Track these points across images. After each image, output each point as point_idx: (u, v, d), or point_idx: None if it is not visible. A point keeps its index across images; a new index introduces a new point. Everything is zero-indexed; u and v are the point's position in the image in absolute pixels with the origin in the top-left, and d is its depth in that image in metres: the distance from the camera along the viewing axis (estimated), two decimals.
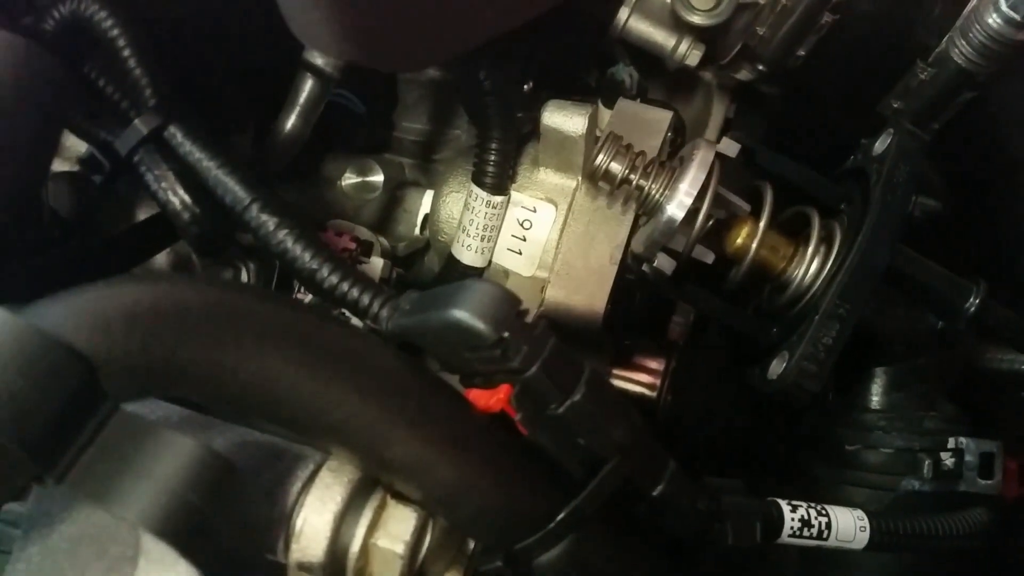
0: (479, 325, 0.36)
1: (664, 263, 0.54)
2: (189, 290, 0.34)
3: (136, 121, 0.46)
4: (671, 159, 0.58)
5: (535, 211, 0.64)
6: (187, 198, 0.45)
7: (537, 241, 0.64)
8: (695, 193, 0.52)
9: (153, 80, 0.47)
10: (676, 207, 0.52)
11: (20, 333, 0.30)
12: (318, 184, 0.73)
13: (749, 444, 0.72)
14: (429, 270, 0.74)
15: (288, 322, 0.35)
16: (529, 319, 0.37)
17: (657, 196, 0.54)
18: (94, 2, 0.47)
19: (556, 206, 0.63)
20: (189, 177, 0.46)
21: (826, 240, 0.55)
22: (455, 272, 0.65)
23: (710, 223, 0.54)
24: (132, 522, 0.31)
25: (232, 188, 0.45)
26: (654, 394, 0.71)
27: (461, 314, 0.36)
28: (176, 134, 0.46)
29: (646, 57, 0.68)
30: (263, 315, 0.35)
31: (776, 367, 0.50)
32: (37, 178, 0.38)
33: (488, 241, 0.64)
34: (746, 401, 0.70)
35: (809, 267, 0.54)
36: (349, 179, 0.74)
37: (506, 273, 0.65)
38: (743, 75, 0.68)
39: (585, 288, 0.60)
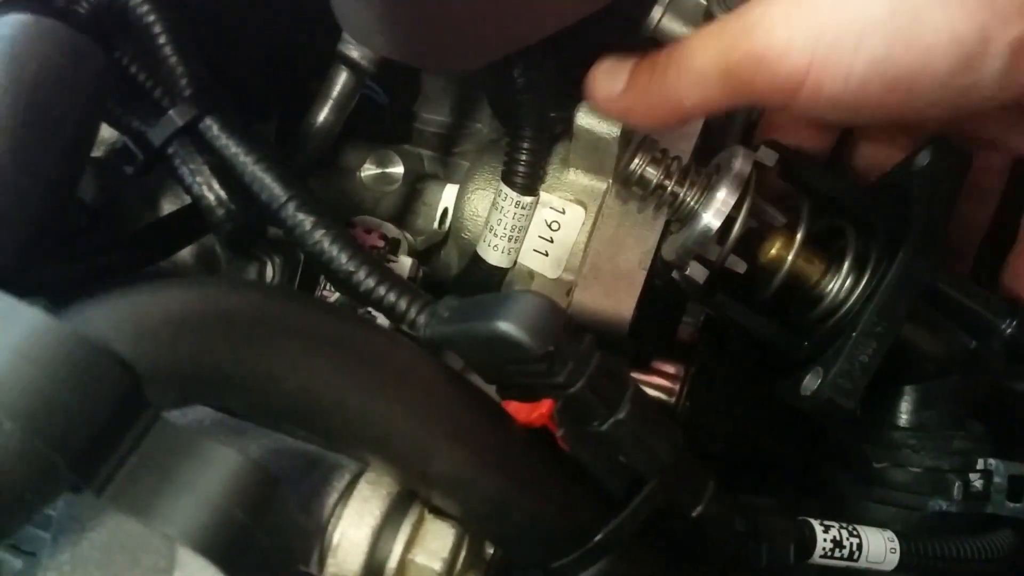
0: (525, 338, 0.35)
1: (697, 272, 0.53)
2: (235, 296, 0.33)
3: (171, 111, 0.45)
4: (706, 165, 0.57)
5: (564, 212, 0.63)
6: (222, 193, 0.44)
7: (565, 243, 0.63)
8: (732, 202, 0.51)
9: (189, 69, 0.46)
10: (713, 216, 0.52)
11: (64, 340, 0.29)
12: (337, 174, 0.72)
13: (769, 454, 0.71)
14: (446, 264, 0.73)
15: (334, 331, 0.34)
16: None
17: (692, 203, 0.53)
18: None
19: (586, 208, 0.62)
20: (224, 171, 0.44)
21: (861, 254, 0.54)
22: (480, 271, 0.64)
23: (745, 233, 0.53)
24: (174, 538, 0.30)
25: (268, 185, 0.44)
26: (672, 399, 0.71)
27: (507, 326, 0.35)
28: (212, 126, 0.45)
29: None
30: (309, 323, 0.34)
31: (810, 382, 0.50)
32: (77, 170, 0.37)
33: (515, 242, 0.63)
34: (766, 410, 0.70)
35: (844, 281, 0.54)
36: (368, 170, 0.73)
37: (531, 274, 0.64)
38: None
39: (613, 293, 0.59)
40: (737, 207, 0.52)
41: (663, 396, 0.70)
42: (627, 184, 0.55)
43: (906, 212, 0.52)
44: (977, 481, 0.51)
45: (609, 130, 0.59)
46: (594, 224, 0.61)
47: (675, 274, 0.56)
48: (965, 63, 0.37)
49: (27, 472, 0.28)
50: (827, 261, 0.55)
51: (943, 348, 0.54)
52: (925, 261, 0.49)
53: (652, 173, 0.54)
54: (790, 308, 0.58)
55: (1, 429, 0.27)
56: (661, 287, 0.60)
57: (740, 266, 0.54)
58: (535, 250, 0.64)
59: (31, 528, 0.40)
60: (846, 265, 0.54)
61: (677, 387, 0.70)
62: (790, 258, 0.54)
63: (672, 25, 0.65)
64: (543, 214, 0.63)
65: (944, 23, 0.37)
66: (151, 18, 0.45)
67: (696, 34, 0.46)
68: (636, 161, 0.55)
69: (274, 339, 0.32)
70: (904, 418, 0.55)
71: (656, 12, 0.65)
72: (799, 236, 0.54)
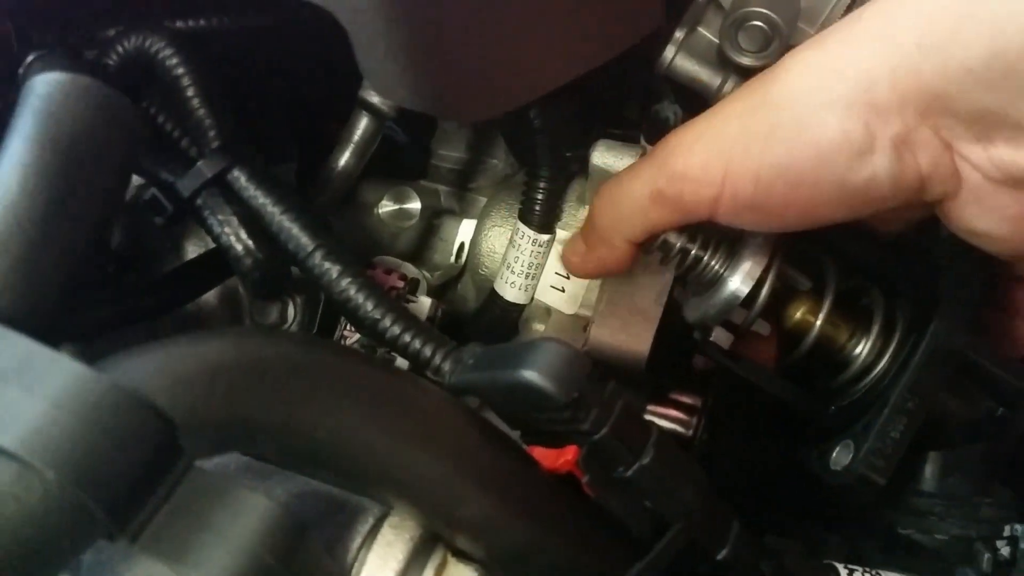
0: (550, 387, 0.35)
1: (721, 337, 0.53)
2: (269, 346, 0.34)
3: (200, 163, 0.46)
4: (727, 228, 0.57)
5: None
6: (250, 243, 0.45)
7: (581, 280, 0.63)
8: (761, 269, 0.50)
9: (217, 121, 0.47)
10: (741, 282, 0.50)
11: (104, 391, 0.29)
12: (355, 211, 0.73)
13: (787, 487, 0.71)
14: (462, 298, 0.74)
15: (365, 379, 0.35)
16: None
17: (717, 268, 0.52)
18: (160, 39, 0.47)
19: None
20: (252, 221, 0.45)
21: (888, 319, 0.54)
22: (497, 307, 0.65)
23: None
24: None
25: (296, 235, 0.45)
26: (689, 432, 0.71)
27: (531, 375, 0.36)
28: (240, 177, 0.46)
29: (688, 94, 0.69)
30: (340, 372, 0.35)
31: (841, 457, 0.49)
32: (110, 222, 0.38)
33: (532, 279, 0.64)
34: (785, 443, 0.70)
35: (872, 347, 0.53)
36: (386, 206, 0.74)
37: (548, 311, 0.65)
38: None
39: (630, 328, 0.60)
40: (765, 272, 0.50)
41: (679, 428, 0.70)
42: (648, 250, 0.53)
43: (935, 278, 0.51)
44: (1004, 548, 0.50)
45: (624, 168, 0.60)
46: None
47: (696, 334, 0.56)
48: (858, 159, 0.40)
49: (66, 521, 0.29)
50: (853, 324, 0.54)
51: (970, 415, 0.53)
52: (957, 335, 0.48)
53: (675, 237, 0.52)
54: (814, 371, 0.57)
55: (42, 478, 0.28)
56: (675, 319, 0.60)
57: (765, 329, 0.53)
58: (552, 286, 0.64)
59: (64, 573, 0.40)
60: (875, 330, 0.53)
61: (694, 419, 0.70)
62: (818, 323, 0.53)
63: (685, 64, 0.66)
64: (560, 251, 0.64)
65: (835, 122, 0.40)
66: (180, 71, 0.46)
67: (623, 171, 0.51)
68: None
69: (307, 388, 0.33)
70: (929, 484, 0.54)
71: (669, 51, 0.66)
72: (827, 302, 0.53)
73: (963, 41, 0.36)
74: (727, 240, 0.52)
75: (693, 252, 0.52)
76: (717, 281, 0.51)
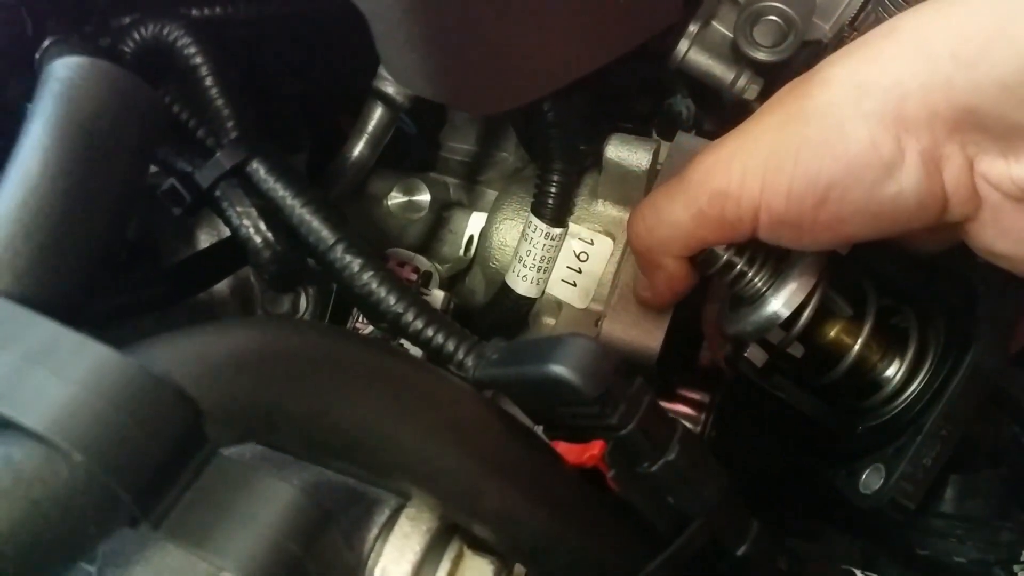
0: (579, 381, 0.35)
1: (756, 355, 0.53)
2: (295, 336, 0.34)
3: (219, 154, 0.45)
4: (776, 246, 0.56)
5: (592, 243, 0.63)
6: (270, 235, 0.44)
7: (593, 274, 0.63)
8: (804, 294, 0.49)
9: (236, 112, 0.46)
10: (783, 305, 0.49)
11: (132, 376, 0.29)
12: (365, 202, 0.73)
13: (796, 484, 0.71)
14: (471, 291, 0.74)
15: (389, 370, 0.35)
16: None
17: (760, 286, 0.51)
18: (179, 27, 0.46)
19: (614, 239, 0.63)
20: (270, 213, 0.45)
21: (922, 342, 0.53)
22: (508, 301, 0.65)
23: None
24: (230, 571, 0.30)
25: (316, 228, 0.44)
26: (698, 428, 0.71)
27: (560, 369, 0.35)
28: (259, 169, 0.45)
29: (701, 88, 0.68)
30: (366, 363, 0.34)
31: (871, 481, 0.49)
32: (131, 207, 0.37)
33: (544, 272, 0.63)
34: (793, 440, 0.70)
35: (907, 370, 0.52)
36: (395, 198, 0.73)
37: (559, 304, 0.65)
38: None
39: (642, 324, 0.59)
40: (809, 296, 0.49)
41: (688, 425, 0.70)
42: (694, 261, 0.51)
43: (971, 303, 0.51)
44: (1022, 573, 0.51)
45: (638, 163, 0.60)
46: (622, 255, 0.61)
47: (727, 347, 0.56)
48: (887, 174, 0.40)
49: (92, 504, 0.28)
50: (886, 345, 0.53)
51: (996, 440, 0.54)
52: (994, 363, 0.48)
53: (722, 250, 0.50)
54: (843, 390, 0.56)
55: (69, 461, 0.28)
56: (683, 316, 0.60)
57: (798, 350, 0.52)
58: (563, 280, 0.64)
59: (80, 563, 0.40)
60: (909, 354, 0.52)
61: (702, 416, 0.70)
62: (856, 348, 0.52)
63: (699, 58, 0.66)
64: (572, 245, 0.64)
65: (866, 135, 0.40)
66: (198, 60, 0.46)
67: (656, 193, 0.50)
68: None
69: (332, 378, 0.33)
70: (949, 505, 0.54)
71: (683, 45, 0.66)
72: (867, 328, 0.52)
73: (995, 58, 0.36)
74: (773, 258, 0.51)
75: (739, 267, 0.50)
76: (758, 299, 0.50)
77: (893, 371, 0.53)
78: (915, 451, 0.47)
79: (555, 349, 0.36)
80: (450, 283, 0.72)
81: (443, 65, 0.42)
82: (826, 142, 0.41)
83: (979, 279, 0.51)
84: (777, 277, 0.50)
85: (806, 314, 0.50)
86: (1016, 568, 0.50)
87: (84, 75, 0.37)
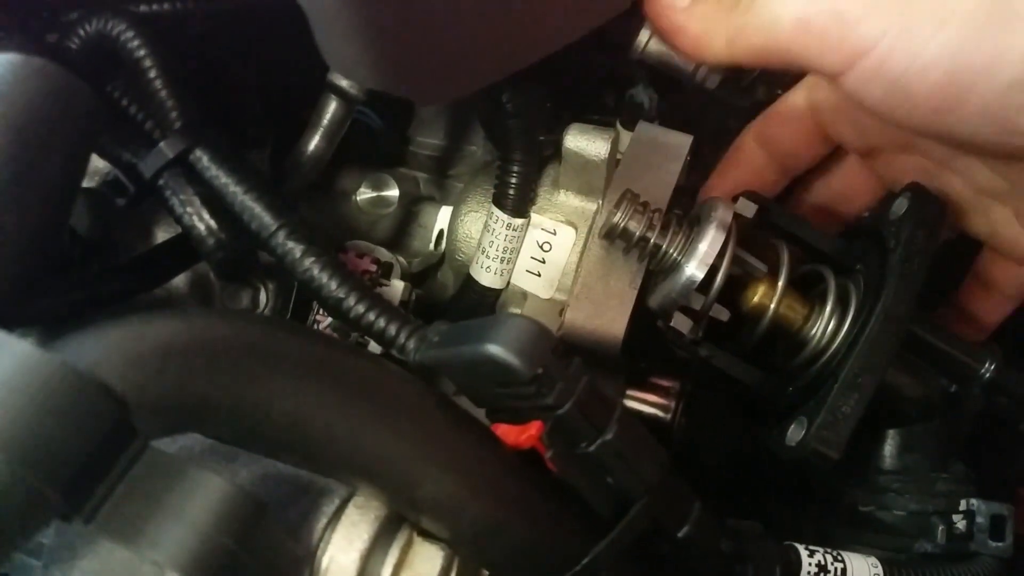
0: (514, 361, 0.35)
1: (681, 322, 0.54)
2: (223, 325, 0.33)
3: (162, 144, 0.45)
4: (687, 216, 0.57)
5: (555, 233, 0.63)
6: (213, 223, 0.44)
7: (556, 264, 0.63)
8: (715, 253, 0.52)
9: (179, 102, 0.46)
10: (696, 268, 0.52)
11: (53, 371, 0.29)
12: (332, 198, 0.73)
13: (765, 470, 0.71)
14: (442, 285, 0.74)
15: (322, 359, 0.35)
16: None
17: (674, 254, 0.54)
18: (121, 22, 0.46)
19: (576, 229, 0.63)
20: (214, 201, 0.45)
21: (841, 300, 0.55)
22: (473, 293, 0.65)
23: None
24: (162, 565, 0.30)
25: (259, 214, 0.44)
26: (668, 416, 0.71)
27: (495, 349, 0.35)
28: (202, 157, 0.45)
29: (663, 79, 0.68)
30: (297, 351, 0.34)
31: (794, 433, 0.50)
32: (66, 204, 0.37)
33: (507, 263, 0.63)
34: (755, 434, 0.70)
35: (826, 327, 0.54)
36: (364, 194, 0.74)
37: (524, 295, 0.65)
38: (760, 96, 0.68)
39: (605, 312, 0.59)
40: (719, 257, 0.52)
41: (659, 412, 0.70)
42: (611, 237, 0.55)
43: (884, 259, 0.52)
44: (960, 522, 0.52)
45: (597, 152, 0.60)
46: (585, 244, 0.61)
47: (659, 323, 0.57)
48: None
49: (16, 502, 0.28)
50: (808, 306, 0.55)
51: (924, 393, 0.54)
52: (903, 313, 0.49)
53: (635, 226, 0.54)
54: (775, 354, 0.58)
55: None
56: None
57: (723, 314, 0.54)
58: (527, 271, 0.64)
59: (23, 556, 0.40)
60: (827, 310, 0.54)
61: (672, 403, 0.70)
62: (772, 306, 0.54)
63: (660, 48, 0.66)
64: (534, 235, 0.63)
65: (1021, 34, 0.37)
66: (141, 52, 0.46)
67: None
68: (619, 215, 0.54)
69: (261, 368, 0.33)
70: (888, 462, 0.55)
71: (643, 36, 0.65)
72: (780, 283, 0.54)
73: None
74: (684, 229, 0.54)
75: (652, 240, 0.53)
76: (676, 268, 0.53)
77: (816, 331, 0.54)
78: (832, 400, 0.48)
79: (492, 329, 0.36)
80: (421, 278, 0.72)
81: (384, 54, 0.42)
82: (978, 25, 0.38)
83: (890, 234, 0.52)
84: (689, 244, 0.53)
85: (720, 274, 0.52)
86: (955, 518, 0.51)
87: (15, 72, 0.37)
